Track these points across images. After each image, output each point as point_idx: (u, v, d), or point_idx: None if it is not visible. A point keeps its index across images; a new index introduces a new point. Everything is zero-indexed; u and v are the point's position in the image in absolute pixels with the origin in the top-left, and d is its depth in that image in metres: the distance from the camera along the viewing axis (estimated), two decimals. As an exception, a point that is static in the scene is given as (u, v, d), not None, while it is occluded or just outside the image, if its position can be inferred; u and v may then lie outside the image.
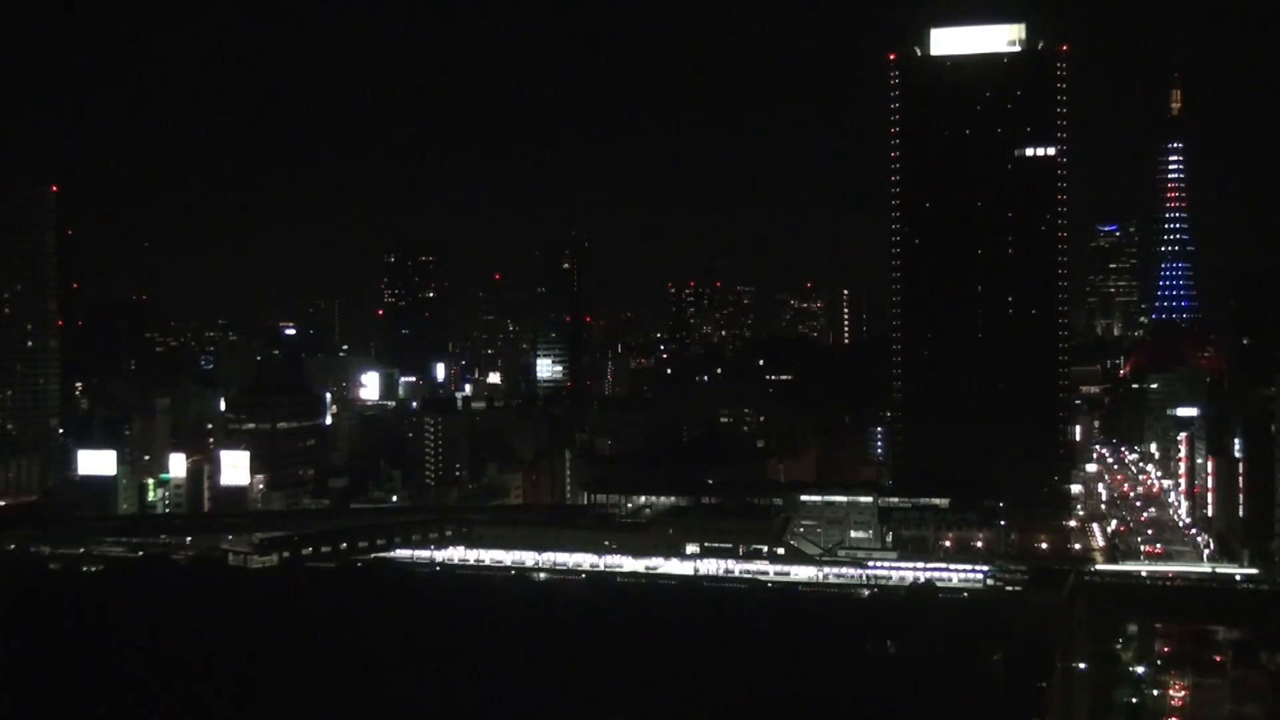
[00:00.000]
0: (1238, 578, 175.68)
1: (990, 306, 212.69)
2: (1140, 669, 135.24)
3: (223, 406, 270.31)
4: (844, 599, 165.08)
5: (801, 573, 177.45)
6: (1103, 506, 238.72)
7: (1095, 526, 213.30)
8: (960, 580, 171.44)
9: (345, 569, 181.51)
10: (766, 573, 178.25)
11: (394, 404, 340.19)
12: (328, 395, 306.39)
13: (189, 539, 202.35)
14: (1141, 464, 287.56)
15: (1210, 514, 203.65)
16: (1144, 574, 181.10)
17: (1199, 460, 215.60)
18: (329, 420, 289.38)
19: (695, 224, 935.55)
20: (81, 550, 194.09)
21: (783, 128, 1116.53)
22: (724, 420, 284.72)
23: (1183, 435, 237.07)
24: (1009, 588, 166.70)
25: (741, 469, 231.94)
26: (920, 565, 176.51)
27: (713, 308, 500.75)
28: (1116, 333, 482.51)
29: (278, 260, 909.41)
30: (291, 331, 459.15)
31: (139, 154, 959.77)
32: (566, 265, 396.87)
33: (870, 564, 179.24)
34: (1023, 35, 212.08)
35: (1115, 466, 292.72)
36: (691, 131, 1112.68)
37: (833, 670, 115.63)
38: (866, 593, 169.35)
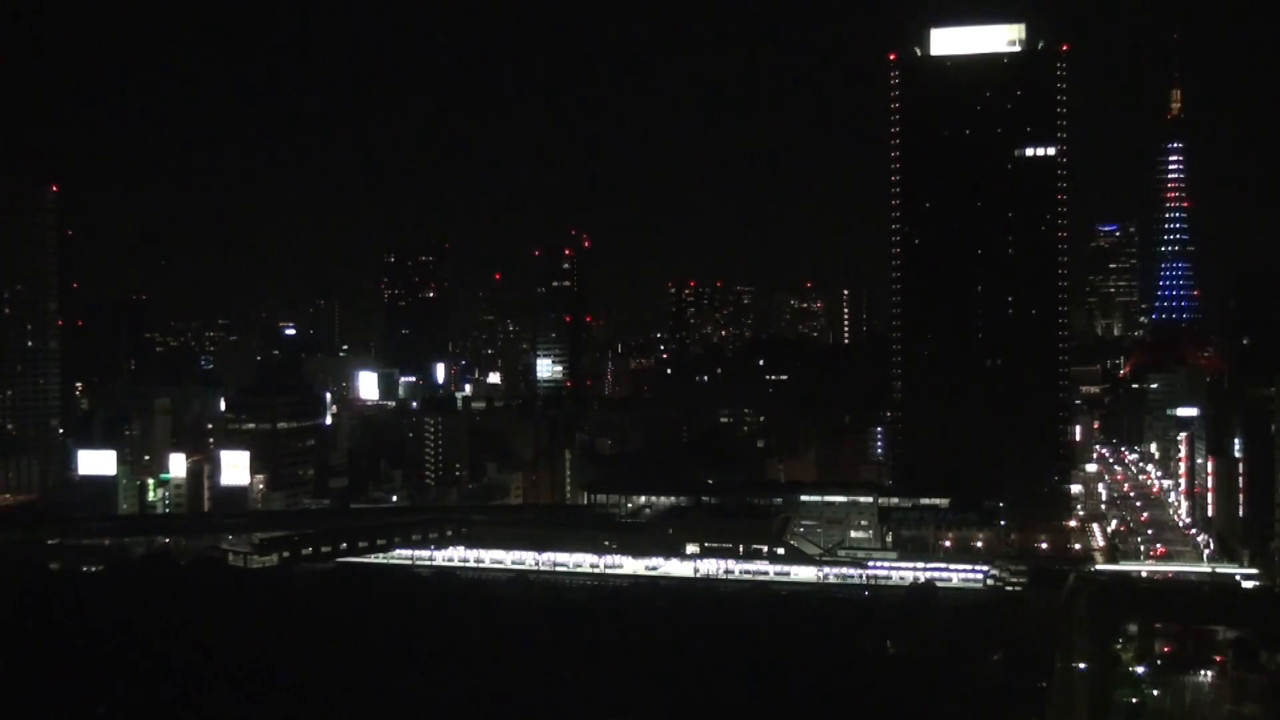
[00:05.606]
0: (1238, 578, 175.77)
1: (990, 306, 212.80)
2: (1140, 669, 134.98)
3: (223, 406, 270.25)
4: (844, 599, 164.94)
5: (802, 573, 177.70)
6: (1103, 506, 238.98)
7: (1095, 526, 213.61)
8: (960, 580, 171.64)
9: (345, 569, 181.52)
10: (766, 573, 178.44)
11: (394, 404, 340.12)
12: (328, 395, 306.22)
13: (188, 539, 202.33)
14: (1141, 464, 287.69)
15: (1210, 514, 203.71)
16: (1144, 574, 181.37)
17: (1199, 460, 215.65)
18: (329, 420, 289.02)
19: (695, 224, 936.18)
20: (81, 550, 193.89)
21: (783, 127, 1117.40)
22: (724, 420, 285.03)
23: (1183, 435, 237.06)
24: (1009, 588, 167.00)
25: (741, 469, 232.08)
26: (920, 565, 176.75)
27: (713, 308, 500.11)
28: (1116, 333, 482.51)
29: (278, 260, 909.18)
30: (291, 331, 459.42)
31: (139, 154, 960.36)
32: (566, 265, 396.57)
33: (870, 564, 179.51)
34: (1023, 35, 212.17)
35: (1115, 466, 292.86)
36: (692, 131, 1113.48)
37: (833, 670, 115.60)
38: (866, 593, 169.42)
